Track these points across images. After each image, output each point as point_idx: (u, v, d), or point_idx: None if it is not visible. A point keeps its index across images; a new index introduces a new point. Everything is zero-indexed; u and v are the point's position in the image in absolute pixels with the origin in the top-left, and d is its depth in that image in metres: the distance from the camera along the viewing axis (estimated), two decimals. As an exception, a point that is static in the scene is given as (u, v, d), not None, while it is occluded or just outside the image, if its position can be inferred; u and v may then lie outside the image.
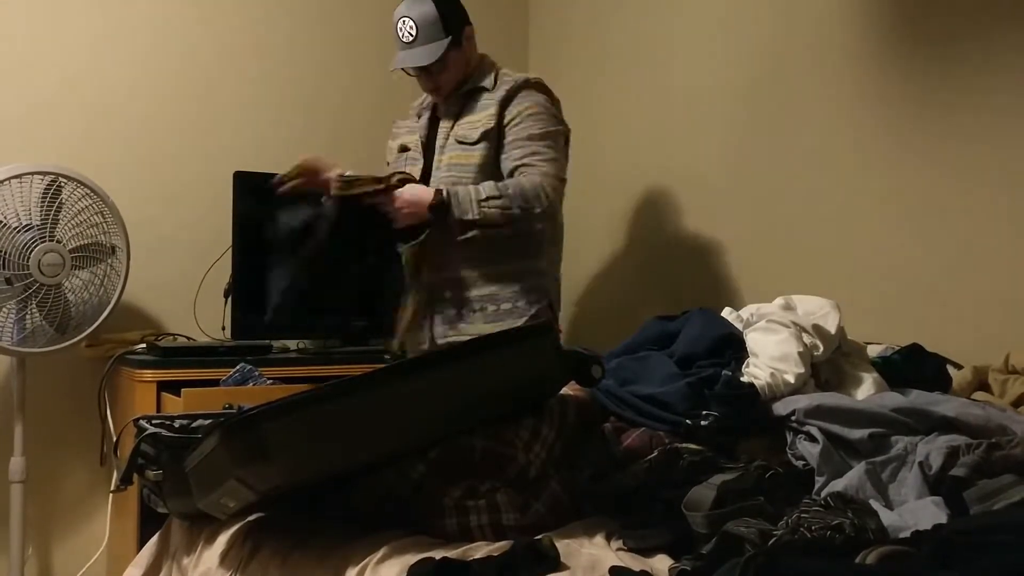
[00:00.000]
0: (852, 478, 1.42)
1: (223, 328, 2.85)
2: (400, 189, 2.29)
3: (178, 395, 2.34)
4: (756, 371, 1.68)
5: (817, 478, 1.45)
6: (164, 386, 2.48)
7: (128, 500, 2.46)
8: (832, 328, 1.77)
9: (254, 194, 2.80)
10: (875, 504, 1.35)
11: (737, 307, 1.93)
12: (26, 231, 2.45)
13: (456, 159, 2.40)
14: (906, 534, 1.21)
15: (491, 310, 2.37)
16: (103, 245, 2.57)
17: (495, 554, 1.26)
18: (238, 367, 2.46)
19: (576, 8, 3.40)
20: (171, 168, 3.01)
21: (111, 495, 2.75)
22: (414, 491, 1.43)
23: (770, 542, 1.17)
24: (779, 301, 1.88)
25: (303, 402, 1.28)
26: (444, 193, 2.26)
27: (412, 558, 1.26)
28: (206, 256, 2.89)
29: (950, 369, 1.90)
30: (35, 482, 2.72)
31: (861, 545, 1.10)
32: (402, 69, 2.44)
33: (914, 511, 1.33)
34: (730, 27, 2.77)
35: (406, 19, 2.38)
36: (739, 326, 1.83)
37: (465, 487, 1.41)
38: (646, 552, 1.29)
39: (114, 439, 2.58)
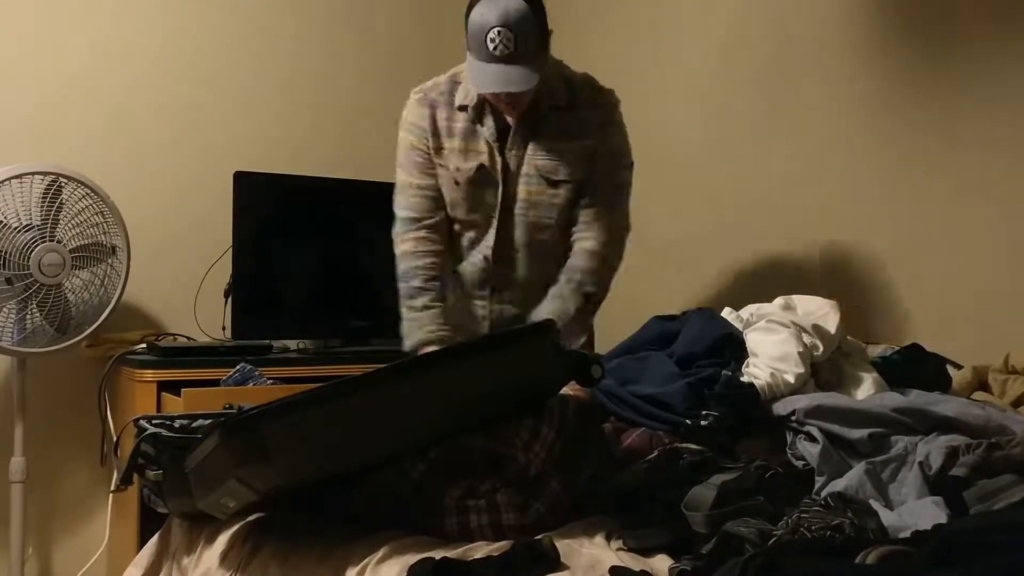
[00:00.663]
0: (852, 478, 1.42)
1: (223, 328, 2.85)
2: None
3: (178, 395, 2.34)
4: (756, 371, 1.68)
5: (817, 478, 1.46)
6: (164, 386, 2.47)
7: (128, 500, 2.46)
8: (832, 328, 1.77)
9: (254, 194, 2.80)
10: (875, 504, 1.35)
11: (737, 307, 1.93)
12: (26, 231, 2.45)
13: (538, 196, 2.11)
14: (906, 534, 1.22)
15: None
16: (103, 245, 2.57)
17: (495, 554, 1.26)
18: (238, 367, 2.46)
19: (577, 4, 3.40)
20: (171, 168, 3.01)
21: (111, 495, 2.74)
22: (414, 491, 1.43)
23: (770, 542, 1.18)
24: (779, 301, 1.88)
25: (303, 402, 1.28)
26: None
27: (412, 558, 1.26)
28: (206, 256, 2.89)
29: (950, 369, 1.90)
30: (35, 482, 2.72)
31: (861, 545, 1.10)
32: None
33: (914, 511, 1.34)
34: (732, 27, 2.77)
35: (502, 30, 1.89)
36: (739, 326, 1.83)
37: (465, 487, 1.41)
38: (646, 552, 1.29)
39: (114, 439, 2.58)
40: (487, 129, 2.11)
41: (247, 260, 2.77)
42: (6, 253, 2.42)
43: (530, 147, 2.10)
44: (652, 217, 3.04)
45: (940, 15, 2.22)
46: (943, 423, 1.55)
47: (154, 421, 1.63)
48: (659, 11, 3.03)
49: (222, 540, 1.56)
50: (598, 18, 3.29)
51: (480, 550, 1.30)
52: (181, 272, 2.93)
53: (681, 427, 1.59)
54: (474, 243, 2.18)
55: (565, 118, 2.10)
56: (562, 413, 1.55)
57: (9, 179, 2.43)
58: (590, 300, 2.11)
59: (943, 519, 1.28)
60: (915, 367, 1.84)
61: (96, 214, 2.55)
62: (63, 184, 2.50)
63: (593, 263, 2.11)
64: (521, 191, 2.12)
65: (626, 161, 2.19)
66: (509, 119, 2.10)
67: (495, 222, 2.14)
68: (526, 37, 1.91)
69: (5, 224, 2.43)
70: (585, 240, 2.13)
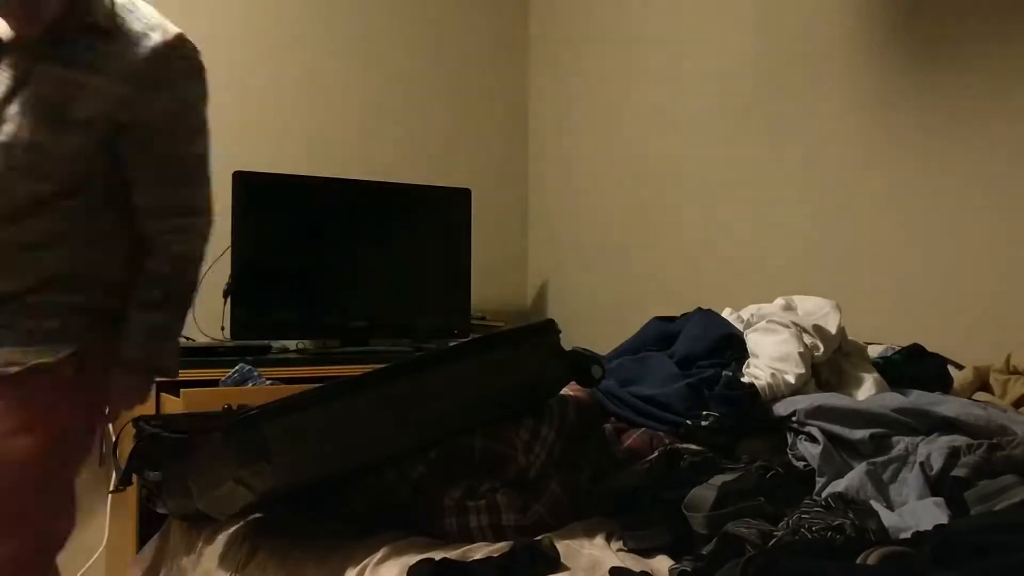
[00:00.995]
0: (853, 479, 1.42)
1: (222, 328, 2.85)
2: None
3: (177, 395, 2.33)
4: (756, 371, 1.68)
5: (818, 479, 1.45)
6: (163, 386, 2.47)
7: (127, 501, 2.46)
8: (832, 328, 1.77)
9: (253, 194, 2.80)
10: (876, 505, 1.35)
11: (738, 307, 1.93)
12: (25, 231, 2.43)
13: (35, 136, 1.52)
14: (907, 535, 1.21)
15: None
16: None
17: (495, 555, 1.25)
18: (237, 367, 2.46)
19: (577, 5, 3.40)
20: (170, 168, 3.00)
21: (110, 496, 2.74)
22: (414, 492, 1.43)
23: (770, 543, 1.17)
24: (779, 301, 1.88)
25: (303, 403, 1.28)
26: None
27: (412, 559, 1.26)
28: (205, 256, 2.88)
29: (951, 369, 1.90)
30: (34, 482, 2.71)
31: (862, 546, 1.10)
32: None
33: (915, 512, 1.33)
34: (734, 23, 2.77)
35: None
36: (739, 326, 1.83)
37: (465, 487, 1.41)
38: (646, 553, 1.29)
39: (113, 440, 2.58)
40: None
41: (246, 260, 2.76)
42: (5, 253, 2.40)
43: (38, 70, 1.53)
44: (653, 218, 3.04)
45: (942, 12, 2.22)
46: (944, 423, 1.55)
47: (153, 422, 1.63)
48: (661, 10, 3.03)
49: (221, 541, 1.56)
50: (601, 16, 3.29)
51: (480, 551, 1.30)
52: (180, 272, 2.92)
53: (681, 428, 1.58)
54: None
55: (100, 45, 1.55)
56: (562, 413, 1.55)
57: (8, 179, 2.41)
58: (167, 306, 1.66)
59: (944, 520, 1.28)
60: (916, 367, 1.84)
61: (95, 214, 2.53)
62: (62, 184, 2.48)
63: (165, 268, 1.65)
64: (22, 131, 1.51)
65: (190, 125, 1.64)
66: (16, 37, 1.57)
67: None
68: None
69: (4, 224, 2.41)
70: (156, 246, 1.64)
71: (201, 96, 1.66)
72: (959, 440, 1.47)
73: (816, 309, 1.82)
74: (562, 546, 1.27)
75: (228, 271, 2.79)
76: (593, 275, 3.26)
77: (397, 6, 3.39)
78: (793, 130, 2.57)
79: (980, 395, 1.84)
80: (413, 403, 1.35)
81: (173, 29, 1.64)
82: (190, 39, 1.65)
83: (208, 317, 2.86)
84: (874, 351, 1.92)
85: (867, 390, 1.71)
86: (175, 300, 1.67)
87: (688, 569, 1.16)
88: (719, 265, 2.78)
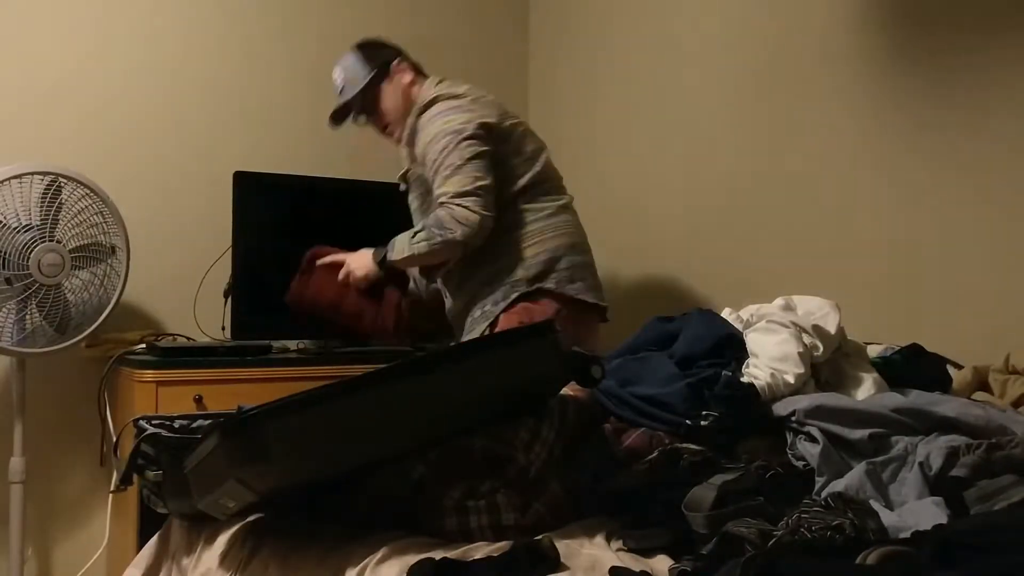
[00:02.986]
0: (852, 478, 1.42)
1: (223, 328, 2.85)
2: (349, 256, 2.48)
3: (175, 395, 2.33)
4: (756, 371, 1.68)
5: (817, 478, 1.45)
6: (163, 386, 2.47)
7: (128, 500, 2.46)
8: (832, 328, 1.77)
9: (254, 194, 2.80)
10: (875, 504, 1.35)
11: (737, 307, 1.93)
12: (26, 231, 2.44)
13: (418, 200, 2.49)
14: (906, 534, 1.21)
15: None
16: (103, 245, 2.56)
17: (495, 555, 1.26)
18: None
19: (577, 8, 3.40)
20: (171, 168, 3.00)
21: (111, 495, 2.74)
22: (414, 492, 1.43)
23: (770, 543, 1.17)
24: (779, 301, 1.88)
25: (303, 402, 1.28)
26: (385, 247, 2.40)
27: (412, 559, 1.26)
28: (206, 256, 2.89)
29: (950, 369, 1.90)
30: (35, 482, 2.72)
31: (861, 546, 1.10)
32: (355, 124, 2.56)
33: (914, 511, 1.33)
34: (733, 27, 2.77)
35: (334, 68, 2.52)
36: (739, 326, 1.83)
37: (465, 488, 1.41)
38: (646, 552, 1.29)
39: (114, 439, 2.58)
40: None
41: (247, 260, 2.77)
42: (6, 253, 2.41)
43: (412, 162, 2.49)
44: (652, 218, 3.04)
45: (943, 13, 2.22)
46: (943, 423, 1.55)
47: (154, 421, 1.63)
48: (660, 13, 3.03)
49: (221, 541, 1.56)
50: (601, 20, 3.29)
51: (480, 550, 1.30)
52: (180, 272, 2.93)
53: (681, 427, 1.58)
54: None
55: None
56: (562, 414, 1.55)
57: (9, 179, 2.43)
58: (423, 234, 2.34)
59: (943, 519, 1.28)
60: (915, 367, 1.84)
61: (96, 214, 2.54)
62: (62, 184, 2.49)
63: (438, 216, 2.33)
64: (411, 200, 2.58)
65: (435, 143, 2.36)
66: None
67: None
68: (348, 67, 2.56)
69: (5, 224, 2.43)
70: None
71: (433, 131, 2.34)
72: (958, 440, 1.47)
73: (815, 309, 1.82)
74: (562, 546, 1.27)
75: (228, 271, 2.80)
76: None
77: (397, 6, 3.39)
78: (793, 131, 2.57)
79: (979, 395, 1.84)
80: (413, 403, 1.35)
81: (421, 104, 2.44)
82: (432, 100, 2.41)
83: (208, 317, 2.87)
84: (873, 351, 1.92)
85: (866, 390, 1.71)
86: None
87: (688, 569, 1.16)
88: (719, 265, 2.78)
